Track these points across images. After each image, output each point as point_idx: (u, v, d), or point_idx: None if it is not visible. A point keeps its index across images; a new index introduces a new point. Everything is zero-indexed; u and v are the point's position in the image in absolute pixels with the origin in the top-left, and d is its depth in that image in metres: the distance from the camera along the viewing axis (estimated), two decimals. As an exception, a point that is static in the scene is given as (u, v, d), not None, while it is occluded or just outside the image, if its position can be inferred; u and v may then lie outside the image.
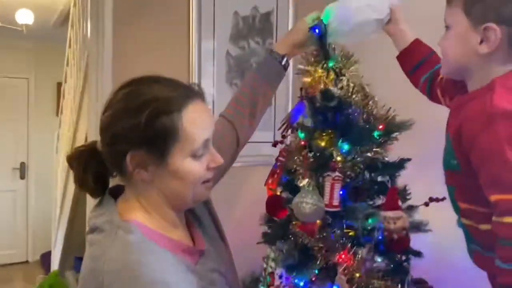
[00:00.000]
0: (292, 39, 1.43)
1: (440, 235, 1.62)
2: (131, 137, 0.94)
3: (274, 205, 1.62)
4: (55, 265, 4.18)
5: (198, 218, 1.17)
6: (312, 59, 1.52)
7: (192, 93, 1.02)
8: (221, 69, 2.19)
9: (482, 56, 1.07)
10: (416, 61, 1.36)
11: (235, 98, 1.41)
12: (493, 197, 1.02)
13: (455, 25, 1.11)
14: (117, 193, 1.06)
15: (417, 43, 1.38)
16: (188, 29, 2.11)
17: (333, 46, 1.50)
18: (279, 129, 1.69)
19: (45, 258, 4.91)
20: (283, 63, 1.39)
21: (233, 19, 2.21)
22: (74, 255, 3.79)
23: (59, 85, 4.98)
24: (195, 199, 1.05)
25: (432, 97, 1.35)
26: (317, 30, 1.39)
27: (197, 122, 0.98)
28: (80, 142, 3.11)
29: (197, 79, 2.11)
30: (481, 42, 1.06)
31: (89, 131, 2.20)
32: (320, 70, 1.48)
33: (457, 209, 1.22)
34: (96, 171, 1.01)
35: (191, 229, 1.12)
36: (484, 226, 1.12)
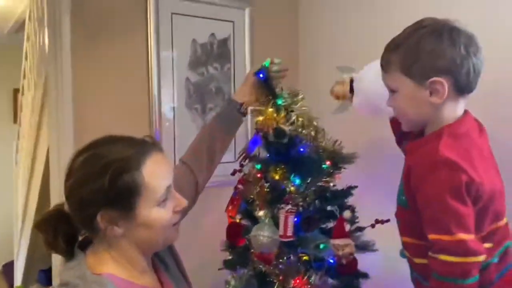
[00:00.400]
0: (245, 88, 1.55)
1: (386, 253, 1.77)
2: (98, 199, 1.01)
3: (234, 232, 1.73)
4: (18, 277, 4.17)
5: (162, 260, 1.25)
6: (262, 99, 1.62)
7: (148, 147, 1.10)
8: (181, 95, 2.26)
9: (436, 106, 1.18)
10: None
11: (194, 144, 1.52)
12: (432, 236, 1.14)
13: (401, 87, 1.21)
14: (84, 244, 1.12)
15: None
16: (147, 57, 2.16)
17: (280, 86, 1.63)
18: (237, 159, 1.80)
19: (8, 267, 4.87)
20: (241, 110, 1.53)
21: (191, 47, 2.28)
22: (38, 267, 3.80)
23: (15, 91, 4.90)
24: (165, 243, 1.15)
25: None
26: (261, 75, 1.56)
27: (156, 173, 1.06)
28: (41, 157, 3.12)
29: (158, 105, 2.17)
30: (431, 94, 1.17)
31: (51, 147, 2.21)
32: (270, 109, 1.59)
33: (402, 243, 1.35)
34: (66, 233, 1.07)
35: (158, 273, 1.20)
36: (418, 260, 1.26)
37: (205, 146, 1.51)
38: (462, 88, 1.17)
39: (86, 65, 2.05)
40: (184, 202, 1.13)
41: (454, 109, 1.20)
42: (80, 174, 1.04)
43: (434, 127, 1.22)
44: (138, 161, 1.04)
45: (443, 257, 1.12)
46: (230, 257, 1.79)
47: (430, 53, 1.14)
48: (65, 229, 1.07)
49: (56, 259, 2.12)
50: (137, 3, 2.15)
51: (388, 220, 1.67)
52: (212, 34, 2.33)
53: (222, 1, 2.35)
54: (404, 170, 1.26)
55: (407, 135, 1.37)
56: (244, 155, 1.78)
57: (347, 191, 1.70)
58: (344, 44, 2.35)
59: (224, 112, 1.59)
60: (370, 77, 1.49)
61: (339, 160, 1.64)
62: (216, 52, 2.35)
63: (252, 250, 1.65)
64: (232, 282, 1.68)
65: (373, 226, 1.72)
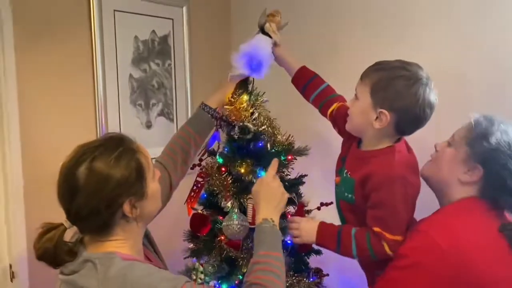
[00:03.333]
0: (220, 93, 1.71)
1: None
2: (124, 190, 1.13)
3: (198, 222, 1.85)
4: None
5: (145, 244, 1.38)
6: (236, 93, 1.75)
7: (125, 136, 1.23)
8: (125, 91, 2.29)
9: (375, 128, 1.45)
10: (303, 84, 1.79)
11: (169, 146, 1.65)
12: (376, 229, 1.47)
13: (361, 99, 1.48)
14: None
15: (302, 69, 1.80)
16: (92, 55, 2.16)
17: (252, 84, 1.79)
18: (197, 154, 1.91)
19: None
20: (214, 115, 1.68)
21: (133, 43, 2.31)
22: None
23: None
24: (158, 211, 1.31)
25: (322, 113, 1.79)
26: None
27: (146, 152, 1.22)
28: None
29: (103, 102, 2.18)
30: (376, 119, 1.44)
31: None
32: (244, 99, 1.73)
33: (343, 222, 1.66)
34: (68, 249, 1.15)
35: (145, 252, 1.34)
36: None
37: (179, 148, 1.64)
38: (400, 129, 1.46)
39: (30, 65, 2.00)
40: (158, 172, 1.29)
41: (389, 136, 1.50)
42: (98, 179, 1.10)
43: (374, 143, 1.51)
44: (134, 147, 1.19)
45: (385, 246, 1.46)
46: (191, 246, 1.89)
47: (396, 92, 1.40)
48: (67, 245, 1.16)
49: None
50: (80, 1, 2.13)
51: (331, 203, 1.91)
52: (153, 31, 2.39)
53: (162, -2, 2.41)
54: (354, 175, 1.53)
55: (310, 90, 1.77)
56: (203, 150, 1.89)
57: (299, 179, 1.90)
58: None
59: (197, 116, 1.71)
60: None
61: (294, 153, 1.83)
62: (157, 49, 2.41)
63: (218, 238, 1.78)
64: (200, 269, 1.80)
65: (319, 208, 1.94)
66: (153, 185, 1.21)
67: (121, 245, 1.18)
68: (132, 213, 1.15)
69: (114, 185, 1.10)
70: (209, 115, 1.69)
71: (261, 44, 1.69)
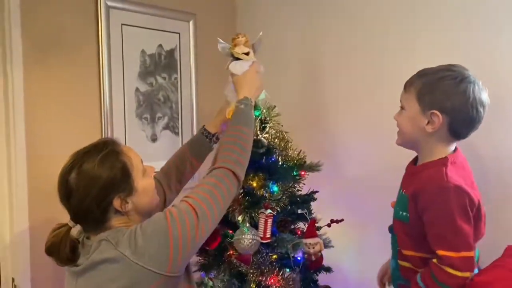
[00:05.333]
0: (220, 118, 1.73)
1: (337, 249, 1.99)
2: (112, 189, 1.23)
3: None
4: None
5: None
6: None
7: (109, 140, 1.32)
8: (131, 105, 2.28)
9: (427, 133, 1.39)
10: None
11: (165, 165, 1.72)
12: (440, 252, 1.31)
13: (408, 108, 1.42)
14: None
15: None
16: (99, 68, 2.15)
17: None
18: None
19: None
20: (213, 140, 1.74)
21: (140, 57, 2.31)
22: None
23: None
24: (156, 203, 1.39)
25: None
26: None
27: (131, 153, 1.31)
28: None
29: (109, 115, 2.17)
30: (428, 123, 1.37)
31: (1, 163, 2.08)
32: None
33: (395, 252, 1.52)
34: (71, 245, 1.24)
35: None
36: (420, 269, 1.42)
37: (174, 168, 1.70)
38: (454, 131, 1.37)
39: (37, 78, 1.99)
40: (153, 168, 1.39)
41: (443, 141, 1.41)
42: (86, 182, 1.21)
43: (428, 153, 1.42)
44: (119, 149, 1.28)
45: (450, 270, 1.29)
46: (200, 260, 1.87)
47: (443, 92, 1.35)
48: (71, 242, 1.25)
49: None
50: (88, 14, 2.14)
51: (342, 220, 1.90)
52: (160, 45, 2.38)
53: (169, 13, 2.41)
54: (407, 190, 1.43)
55: None
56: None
57: (311, 195, 1.89)
58: (279, 50, 2.54)
59: (196, 139, 1.77)
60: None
61: (306, 168, 1.82)
62: (163, 63, 2.40)
63: (229, 253, 1.76)
64: (210, 284, 1.78)
65: (329, 225, 1.92)
66: (144, 181, 1.30)
67: None
68: (123, 208, 1.25)
69: (101, 185, 1.21)
70: (207, 140, 1.73)
71: (236, 70, 1.65)
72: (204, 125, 1.77)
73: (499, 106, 1.65)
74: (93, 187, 1.21)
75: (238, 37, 1.67)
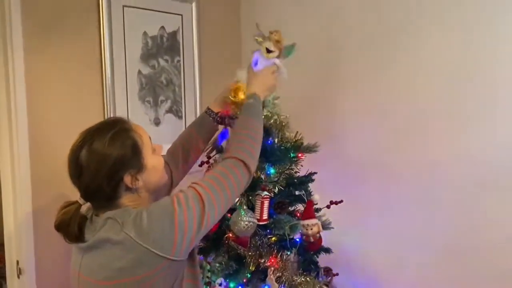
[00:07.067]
0: (224, 97, 1.71)
1: (337, 230, 1.98)
2: (122, 166, 1.22)
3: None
4: None
5: None
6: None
7: (119, 118, 1.33)
8: (133, 87, 2.28)
9: None
10: None
11: (171, 146, 1.72)
12: None
13: None
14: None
15: None
16: (100, 50, 2.15)
17: None
18: (205, 151, 1.89)
19: None
20: (216, 119, 1.73)
21: (142, 39, 2.30)
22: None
23: None
24: (164, 181, 1.40)
25: None
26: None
27: (141, 131, 1.31)
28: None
29: (111, 99, 2.17)
30: None
31: (3, 145, 2.11)
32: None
33: None
34: (80, 223, 1.25)
35: None
36: None
37: (180, 147, 1.71)
38: None
39: (38, 61, 2.01)
40: (161, 146, 1.39)
41: None
42: (97, 159, 1.20)
43: None
44: (128, 127, 1.29)
45: None
46: (200, 244, 1.87)
47: None
48: (80, 219, 1.26)
49: None
50: (89, -4, 2.13)
51: (341, 201, 1.89)
52: (162, 27, 2.37)
53: (171, -6, 2.39)
54: None
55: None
56: (211, 147, 1.87)
57: (309, 176, 1.87)
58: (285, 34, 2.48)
59: (201, 119, 1.77)
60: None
61: (303, 150, 1.80)
62: (166, 45, 2.39)
63: (226, 235, 1.76)
64: (208, 267, 1.78)
65: (328, 207, 1.91)
66: (153, 159, 1.31)
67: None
68: (133, 184, 1.25)
69: (112, 162, 1.21)
70: (211, 119, 1.74)
71: (253, 61, 1.65)
72: (208, 106, 1.78)
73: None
74: (104, 164, 1.21)
75: (272, 33, 1.65)
